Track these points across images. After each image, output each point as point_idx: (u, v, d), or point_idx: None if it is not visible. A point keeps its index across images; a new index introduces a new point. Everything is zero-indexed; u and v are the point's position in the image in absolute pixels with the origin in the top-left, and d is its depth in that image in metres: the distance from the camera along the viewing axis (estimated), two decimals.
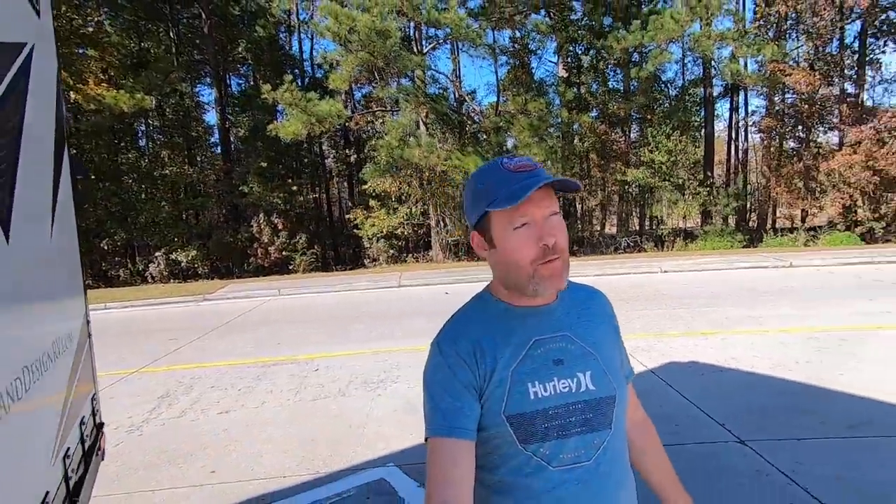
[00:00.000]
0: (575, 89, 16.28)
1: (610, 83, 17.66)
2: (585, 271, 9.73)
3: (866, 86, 16.71)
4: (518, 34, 18.03)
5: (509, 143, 15.58)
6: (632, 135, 18.21)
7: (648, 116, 16.95)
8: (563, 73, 16.55)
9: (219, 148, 18.84)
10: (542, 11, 15.95)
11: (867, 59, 16.22)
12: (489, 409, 0.83)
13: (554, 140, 15.77)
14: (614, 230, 20.16)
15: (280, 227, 15.73)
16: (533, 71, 19.13)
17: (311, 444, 3.18)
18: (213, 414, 3.79)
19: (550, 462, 0.82)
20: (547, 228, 0.82)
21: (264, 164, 16.80)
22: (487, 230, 0.86)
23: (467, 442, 0.80)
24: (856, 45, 16.49)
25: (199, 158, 19.25)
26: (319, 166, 20.43)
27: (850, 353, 4.22)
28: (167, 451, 3.21)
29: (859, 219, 14.44)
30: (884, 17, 15.57)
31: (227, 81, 20.11)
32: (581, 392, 0.85)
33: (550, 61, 19.34)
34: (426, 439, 0.82)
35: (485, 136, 16.00)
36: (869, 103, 16.54)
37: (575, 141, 17.03)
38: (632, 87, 16.43)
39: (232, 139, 19.36)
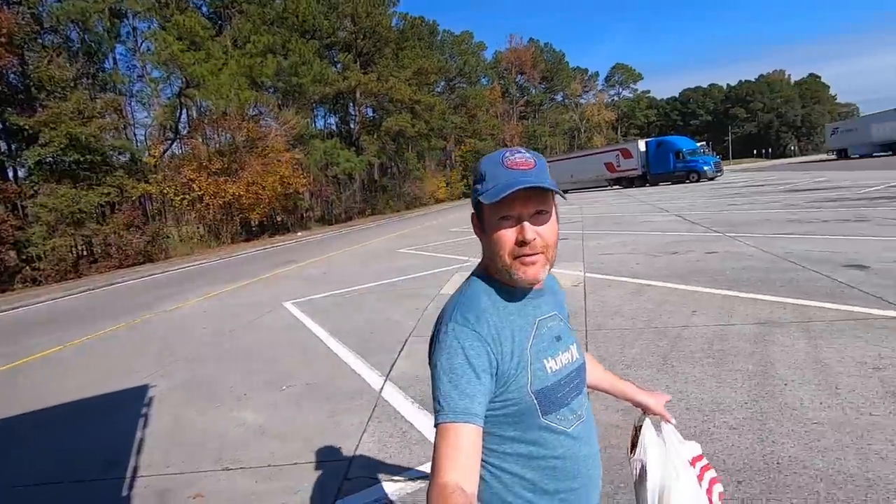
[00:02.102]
0: None
1: None
2: None
3: None
4: None
5: None
6: None
7: None
8: None
9: None
10: None
11: None
12: (516, 386, 0.88)
13: None
14: None
15: None
16: None
17: None
18: None
19: (565, 426, 0.92)
20: (528, 226, 0.86)
21: None
22: (480, 216, 0.93)
23: (477, 428, 0.82)
24: None
25: None
26: None
27: None
28: None
29: None
30: None
31: None
32: (574, 361, 0.98)
33: None
34: (436, 425, 0.82)
35: None
36: None
37: None
38: None
39: None
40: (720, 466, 2.20)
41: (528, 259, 0.88)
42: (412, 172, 45.57)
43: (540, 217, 0.88)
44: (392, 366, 4.17)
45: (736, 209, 12.53)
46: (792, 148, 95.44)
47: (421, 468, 2.58)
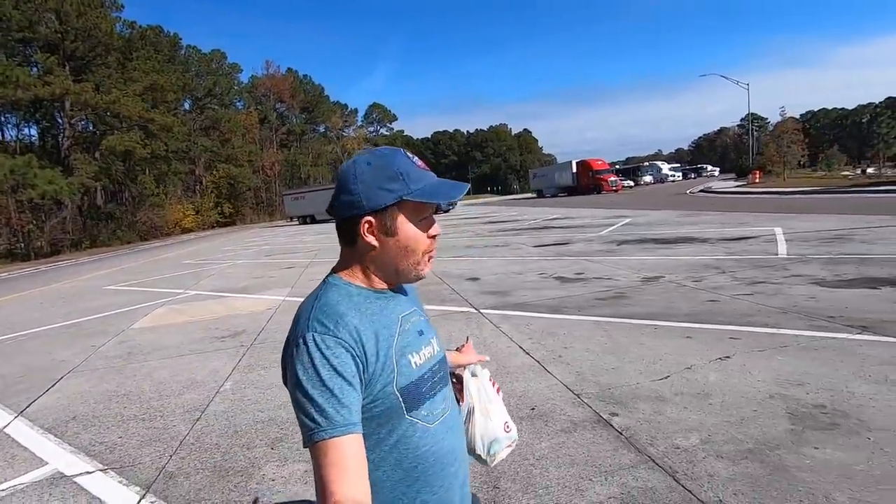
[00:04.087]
0: None
1: None
2: None
3: None
4: None
5: None
6: None
7: None
8: None
9: None
10: None
11: None
12: (381, 386, 0.85)
13: None
14: None
15: None
16: None
17: None
18: None
19: (429, 421, 0.91)
20: (435, 224, 0.93)
21: None
22: (390, 217, 0.87)
23: (358, 436, 0.79)
24: None
25: None
26: None
27: None
28: None
29: None
30: None
31: None
32: (436, 354, 0.98)
33: None
34: (313, 443, 0.76)
35: None
36: None
37: None
38: None
39: None
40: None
41: (432, 254, 0.93)
42: (149, 198, 39.88)
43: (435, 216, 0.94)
44: (32, 402, 4.08)
45: (440, 239, 15.36)
46: (515, 186, 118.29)
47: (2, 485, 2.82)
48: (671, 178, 60.88)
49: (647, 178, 57.94)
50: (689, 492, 2.12)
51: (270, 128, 62.41)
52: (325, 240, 19.44)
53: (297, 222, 39.49)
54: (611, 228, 13.05)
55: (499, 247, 11.62)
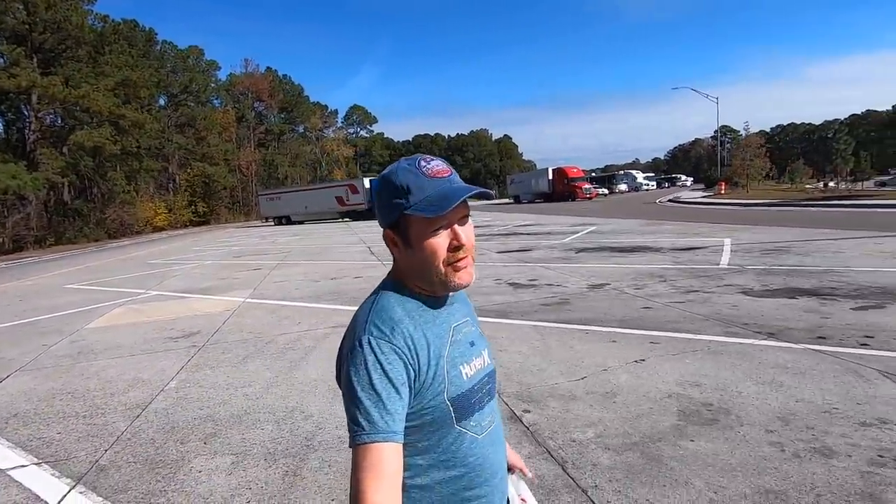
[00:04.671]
0: None
1: None
2: None
3: None
4: None
5: None
6: None
7: None
8: None
9: None
10: None
11: None
12: (432, 395, 0.85)
13: None
14: None
15: None
16: None
17: None
18: None
19: (477, 432, 0.92)
20: (460, 231, 0.87)
21: None
22: (403, 230, 0.88)
23: (399, 445, 0.80)
24: None
25: None
26: None
27: None
28: None
29: None
30: None
31: None
32: (486, 367, 0.97)
33: None
34: (356, 445, 0.79)
35: None
36: None
37: None
38: None
39: None
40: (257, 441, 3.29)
41: (461, 264, 0.88)
42: (120, 196, 39.03)
43: (464, 220, 0.89)
44: None
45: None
46: (493, 192, 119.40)
47: None
48: (645, 187, 62.50)
49: (622, 187, 59.37)
50: (572, 479, 2.37)
51: (248, 127, 61.68)
52: (297, 241, 19.42)
53: (272, 223, 39.18)
54: (575, 236, 13.45)
55: None
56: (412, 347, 0.84)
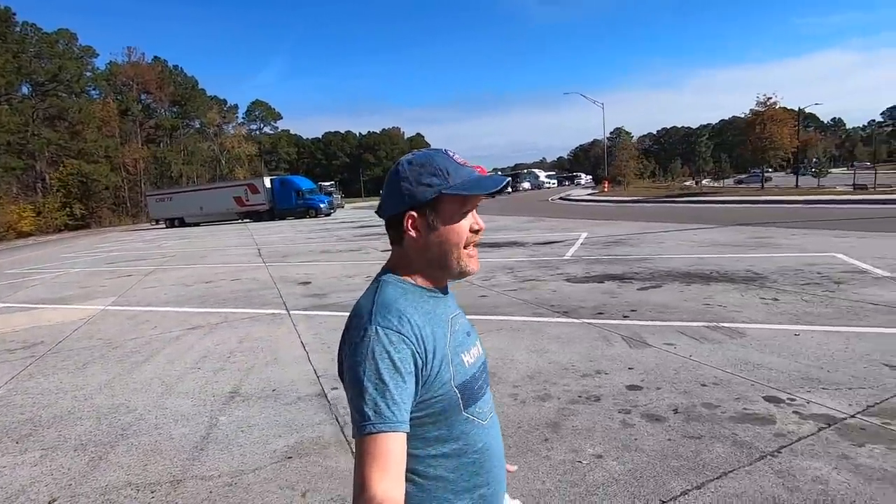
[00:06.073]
0: None
1: None
2: None
3: None
4: None
5: None
6: None
7: None
8: None
9: None
10: None
11: None
12: (440, 383, 0.86)
13: None
14: None
15: None
16: None
17: None
18: None
19: (482, 418, 0.94)
20: (478, 217, 0.94)
21: None
22: (433, 212, 0.90)
23: (404, 435, 0.80)
24: None
25: None
26: None
27: None
28: None
29: None
30: None
31: None
32: (481, 355, 1.00)
33: None
34: (361, 435, 0.78)
35: None
36: None
37: None
38: None
39: None
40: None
41: (474, 251, 0.94)
42: None
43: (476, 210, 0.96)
44: None
45: (303, 243, 15.55)
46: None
47: None
48: (547, 185, 66.45)
49: (526, 185, 62.64)
50: (347, 438, 2.89)
51: (134, 121, 56.48)
52: (183, 245, 18.48)
53: (163, 225, 36.46)
54: None
55: (352, 251, 12.21)
56: (419, 336, 0.85)
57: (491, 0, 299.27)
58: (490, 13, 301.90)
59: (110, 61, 58.43)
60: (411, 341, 0.83)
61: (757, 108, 26.75)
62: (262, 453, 2.79)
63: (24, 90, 45.89)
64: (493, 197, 1.10)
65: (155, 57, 62.52)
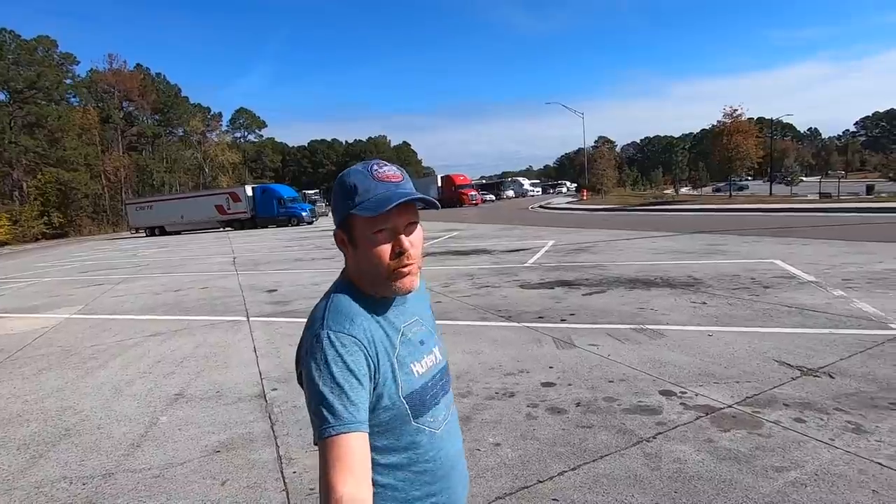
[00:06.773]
0: None
1: None
2: None
3: None
4: None
5: None
6: None
7: None
8: None
9: None
10: None
11: None
12: (387, 392, 0.87)
13: None
14: None
15: None
16: None
17: None
18: None
19: (435, 427, 0.94)
20: (405, 237, 0.89)
21: None
22: (350, 230, 0.90)
23: (365, 434, 0.81)
24: None
25: None
26: None
27: None
28: None
29: None
30: None
31: None
32: (438, 363, 1.00)
33: None
34: (321, 439, 0.78)
35: None
36: None
37: None
38: None
39: None
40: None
41: (404, 269, 0.89)
42: None
43: (411, 227, 0.90)
44: None
45: (279, 251, 15.66)
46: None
47: None
48: (531, 193, 67.12)
49: (510, 193, 63.23)
50: (274, 433, 3.11)
51: (115, 128, 55.99)
52: (160, 254, 18.46)
53: (144, 234, 36.16)
54: (434, 241, 14.57)
55: (325, 259, 12.38)
56: (371, 340, 0.86)
57: (478, 9, 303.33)
58: (477, 22, 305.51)
59: (91, 69, 57.98)
60: (363, 344, 0.84)
61: (724, 120, 27.60)
62: (193, 448, 3.00)
63: (2, 97, 45.37)
64: (438, 209, 1.15)
65: (137, 64, 62.19)
